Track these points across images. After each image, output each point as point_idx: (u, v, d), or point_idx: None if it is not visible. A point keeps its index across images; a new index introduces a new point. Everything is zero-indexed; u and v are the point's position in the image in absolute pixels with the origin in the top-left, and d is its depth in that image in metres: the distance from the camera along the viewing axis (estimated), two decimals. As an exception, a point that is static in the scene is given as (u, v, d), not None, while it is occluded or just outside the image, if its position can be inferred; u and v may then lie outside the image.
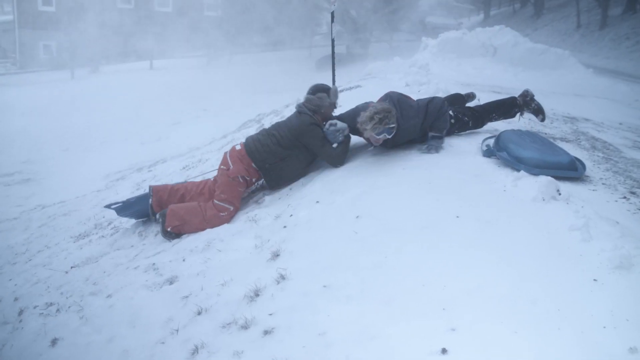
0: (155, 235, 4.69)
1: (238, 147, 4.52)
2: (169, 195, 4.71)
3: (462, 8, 53.41)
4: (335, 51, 16.42)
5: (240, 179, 4.38)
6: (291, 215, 3.63)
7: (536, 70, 10.23)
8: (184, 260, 3.84)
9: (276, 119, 7.54)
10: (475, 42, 10.59)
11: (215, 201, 4.35)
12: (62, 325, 3.37)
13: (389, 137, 3.94)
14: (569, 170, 3.66)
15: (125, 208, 4.92)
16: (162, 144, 11.42)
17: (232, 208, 4.32)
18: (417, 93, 5.72)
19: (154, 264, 3.99)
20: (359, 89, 7.45)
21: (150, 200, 4.70)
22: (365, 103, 4.26)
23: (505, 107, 4.81)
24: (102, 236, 5.29)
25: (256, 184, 4.72)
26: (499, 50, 10.48)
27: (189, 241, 4.18)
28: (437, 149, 4.07)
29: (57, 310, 3.60)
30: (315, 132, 4.28)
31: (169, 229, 4.36)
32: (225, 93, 16.66)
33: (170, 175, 6.99)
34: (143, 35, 29.07)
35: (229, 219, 4.29)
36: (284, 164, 4.37)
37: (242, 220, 4.07)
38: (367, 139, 4.12)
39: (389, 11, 20.78)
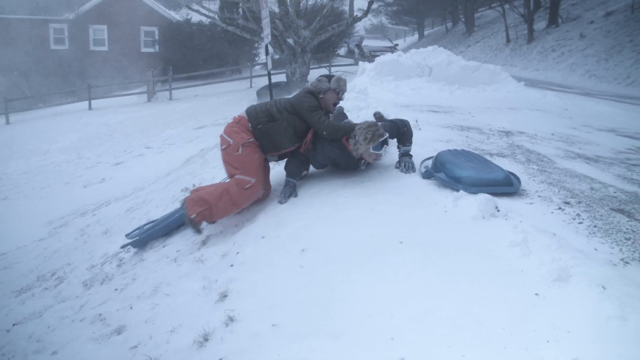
0: (102, 283, 4.55)
1: (236, 117, 4.43)
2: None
3: (397, 30, 54.93)
4: (276, 80, 16.52)
5: (250, 145, 4.24)
6: (237, 252, 3.59)
7: (471, 87, 10.52)
8: (131, 307, 3.75)
9: (219, 153, 7.49)
10: (411, 63, 10.82)
11: (236, 176, 4.19)
12: (4, 391, 3.22)
13: (384, 148, 4.16)
14: (505, 186, 3.76)
15: (147, 238, 4.89)
16: (105, 185, 11.11)
17: (253, 180, 4.16)
18: (356, 118, 5.79)
19: (100, 314, 3.88)
20: (300, 117, 7.48)
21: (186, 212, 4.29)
22: None
23: None
24: (46, 288, 5.10)
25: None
26: (434, 70, 10.74)
27: (136, 287, 4.08)
28: (413, 167, 4.25)
29: (-2, 374, 3.43)
30: (308, 100, 4.29)
31: (192, 216, 4.18)
32: (168, 129, 16.46)
33: (115, 218, 6.82)
34: (80, 76, 28.61)
35: (255, 193, 4.22)
36: (275, 127, 4.28)
37: (189, 261, 4.00)
38: (363, 157, 4.20)
39: (327, 38, 21.08)
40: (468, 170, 3.77)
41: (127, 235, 5.05)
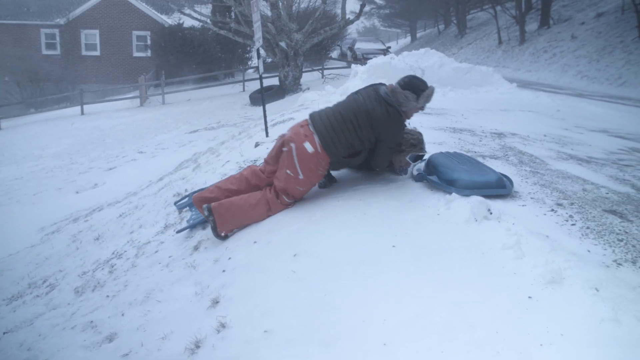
0: (93, 290, 4.52)
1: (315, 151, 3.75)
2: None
3: (389, 32, 55.08)
4: (269, 84, 16.55)
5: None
6: (229, 258, 3.56)
7: (463, 89, 10.55)
8: (123, 314, 3.71)
9: (212, 158, 7.47)
10: (403, 65, 10.83)
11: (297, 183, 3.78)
12: (-6, 401, 3.18)
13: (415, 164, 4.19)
14: (498, 188, 3.75)
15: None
16: (98, 190, 11.05)
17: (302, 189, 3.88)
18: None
19: (92, 321, 3.84)
20: (292, 121, 7.47)
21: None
22: None
23: None
24: (37, 296, 5.05)
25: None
26: (426, 72, 10.75)
27: (128, 294, 4.04)
28: (405, 170, 4.26)
29: (-12, 384, 3.39)
30: (399, 132, 3.89)
31: (222, 234, 3.95)
32: (161, 133, 16.41)
33: (107, 224, 6.77)
34: (72, 81, 28.53)
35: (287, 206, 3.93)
36: (353, 162, 4.04)
37: (181, 267, 3.96)
38: (392, 161, 4.16)
39: (319, 41, 21.10)
40: (460, 172, 3.75)
41: (175, 204, 5.00)
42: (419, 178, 4.04)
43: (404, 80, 3.95)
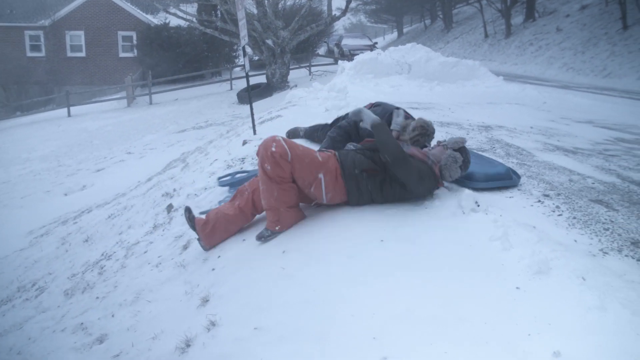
0: (83, 291, 4.49)
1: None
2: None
3: (376, 28, 55.12)
4: (257, 82, 16.51)
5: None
6: (219, 256, 3.55)
7: (450, 83, 10.60)
8: (113, 315, 3.70)
9: (201, 157, 7.45)
10: (390, 61, 10.87)
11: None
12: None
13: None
14: (508, 179, 3.81)
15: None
16: (86, 192, 10.99)
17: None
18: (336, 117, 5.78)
19: (82, 323, 3.82)
20: (279, 118, 7.47)
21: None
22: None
23: None
24: (27, 299, 5.02)
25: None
26: (413, 67, 10.80)
27: (118, 294, 4.03)
28: None
29: (-22, 390, 3.37)
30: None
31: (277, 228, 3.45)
32: (149, 134, 16.33)
33: (96, 225, 6.73)
34: (58, 83, 28.29)
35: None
36: None
37: (171, 266, 3.95)
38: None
39: (306, 38, 21.07)
40: (473, 166, 3.79)
41: (219, 179, 4.92)
42: None
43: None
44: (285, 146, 3.26)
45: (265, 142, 3.32)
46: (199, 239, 3.73)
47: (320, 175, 3.33)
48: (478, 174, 3.77)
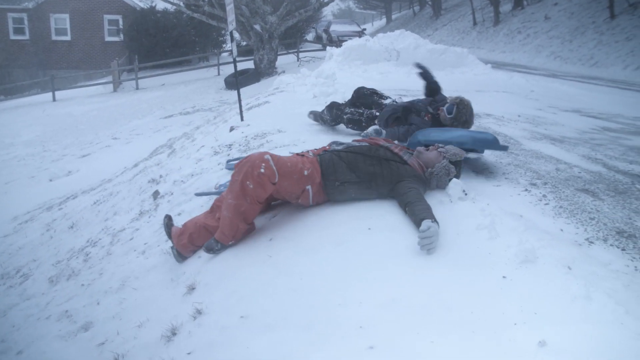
0: (68, 279, 4.45)
1: None
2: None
3: (365, 14, 54.87)
4: (245, 67, 16.35)
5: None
6: (206, 244, 3.53)
7: (439, 70, 10.49)
8: (98, 303, 3.68)
9: (187, 143, 7.39)
10: (379, 47, 10.80)
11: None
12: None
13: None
14: (498, 144, 3.87)
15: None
16: (72, 178, 10.89)
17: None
18: (324, 104, 5.76)
19: (67, 311, 3.80)
20: (267, 104, 7.42)
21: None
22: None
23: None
24: (10, 286, 4.97)
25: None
26: (402, 54, 10.74)
27: (103, 282, 4.00)
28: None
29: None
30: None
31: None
32: (135, 119, 16.18)
33: (82, 212, 6.67)
34: (43, 66, 27.87)
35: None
36: None
37: (157, 254, 3.93)
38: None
39: (294, 23, 20.92)
40: (460, 131, 3.82)
41: (228, 162, 4.81)
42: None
43: None
44: (274, 168, 3.09)
45: (252, 159, 3.12)
46: (172, 247, 3.59)
47: (308, 187, 3.27)
48: (465, 136, 3.86)
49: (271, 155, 3.16)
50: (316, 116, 5.51)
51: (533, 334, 2.04)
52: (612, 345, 2.00)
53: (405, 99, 5.46)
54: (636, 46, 14.98)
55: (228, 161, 4.83)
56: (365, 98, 5.30)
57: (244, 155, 4.78)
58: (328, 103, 5.54)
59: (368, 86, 5.56)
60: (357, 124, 5.02)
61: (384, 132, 4.16)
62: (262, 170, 3.06)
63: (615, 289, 2.32)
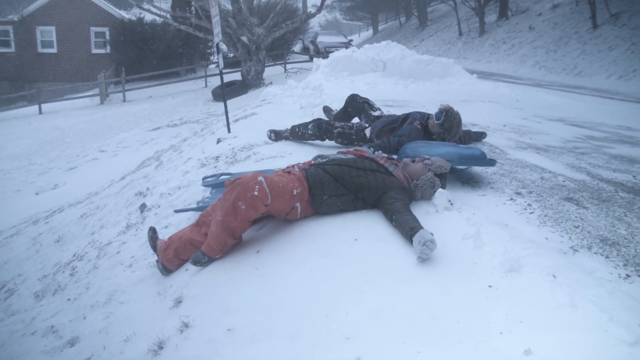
0: (54, 293, 4.41)
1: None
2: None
3: (351, 25, 55.20)
4: (232, 79, 16.31)
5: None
6: (192, 257, 3.51)
7: (425, 81, 10.64)
8: (84, 318, 3.64)
9: (175, 155, 7.37)
10: (365, 58, 10.87)
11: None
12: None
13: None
14: (485, 160, 3.88)
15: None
16: (58, 191, 10.82)
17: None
18: (310, 115, 5.78)
19: (52, 326, 3.76)
20: (254, 116, 7.43)
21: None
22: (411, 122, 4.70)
23: None
24: (-5, 302, 4.92)
25: None
26: (388, 65, 10.82)
27: (90, 296, 3.97)
28: None
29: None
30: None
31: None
32: (122, 131, 16.13)
33: (68, 225, 6.62)
34: (29, 79, 27.71)
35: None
36: None
37: (144, 267, 3.91)
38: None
39: (281, 35, 21.01)
40: (448, 147, 3.83)
41: (204, 179, 4.77)
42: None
43: None
44: (267, 190, 3.08)
45: (245, 181, 3.10)
46: (158, 261, 3.57)
47: (297, 205, 3.29)
48: (452, 153, 3.85)
49: (264, 177, 3.16)
50: (277, 135, 5.49)
51: (519, 343, 2.06)
52: (597, 352, 2.01)
53: (392, 110, 5.51)
54: (618, 56, 15.20)
55: (204, 178, 4.83)
56: (357, 105, 5.44)
57: (230, 168, 4.78)
58: (314, 117, 5.57)
59: (361, 95, 5.62)
60: (347, 138, 5.05)
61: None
62: (256, 193, 3.07)
63: (600, 297, 2.34)
